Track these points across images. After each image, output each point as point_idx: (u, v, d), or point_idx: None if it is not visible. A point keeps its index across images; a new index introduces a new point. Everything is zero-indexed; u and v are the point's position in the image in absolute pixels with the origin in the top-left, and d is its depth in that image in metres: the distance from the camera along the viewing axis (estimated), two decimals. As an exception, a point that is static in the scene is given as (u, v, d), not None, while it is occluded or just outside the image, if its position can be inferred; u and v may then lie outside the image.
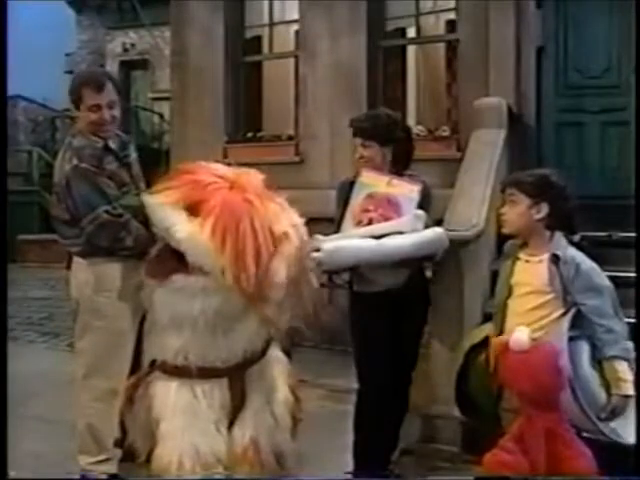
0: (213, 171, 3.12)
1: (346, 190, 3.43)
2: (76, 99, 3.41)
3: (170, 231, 2.92)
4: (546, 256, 2.93)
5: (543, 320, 2.88)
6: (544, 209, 2.93)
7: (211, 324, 2.95)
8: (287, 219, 3.02)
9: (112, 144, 3.49)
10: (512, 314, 2.99)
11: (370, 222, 3.30)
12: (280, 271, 2.86)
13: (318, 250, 3.17)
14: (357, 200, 3.35)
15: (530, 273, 2.98)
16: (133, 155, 3.62)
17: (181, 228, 2.89)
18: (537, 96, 6.00)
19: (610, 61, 5.80)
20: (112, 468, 3.43)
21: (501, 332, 2.99)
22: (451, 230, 3.87)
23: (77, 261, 3.44)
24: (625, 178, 5.32)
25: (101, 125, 3.41)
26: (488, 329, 3.13)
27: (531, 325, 2.87)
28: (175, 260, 2.92)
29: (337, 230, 3.40)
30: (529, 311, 2.93)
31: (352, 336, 3.58)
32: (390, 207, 3.30)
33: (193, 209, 2.93)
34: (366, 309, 3.50)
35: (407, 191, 3.32)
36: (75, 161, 3.31)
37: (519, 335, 2.74)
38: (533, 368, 2.68)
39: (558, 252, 2.90)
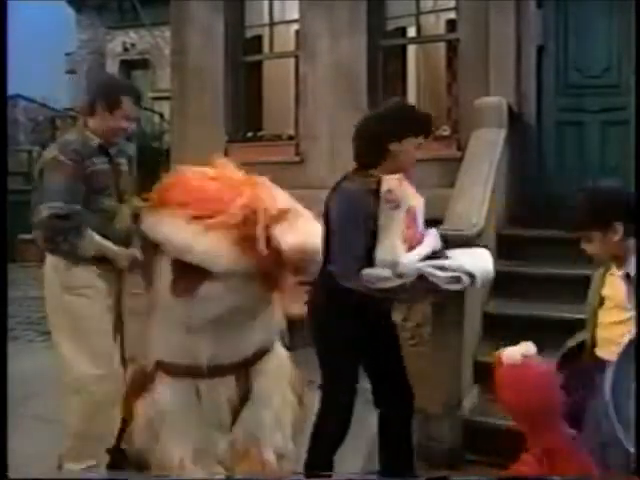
0: (201, 178, 3.05)
1: (369, 202, 2.97)
2: (111, 103, 3.34)
3: (193, 248, 2.84)
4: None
5: (623, 338, 2.61)
6: (619, 228, 2.75)
7: (227, 323, 2.94)
8: (274, 194, 3.00)
9: (110, 148, 3.45)
10: (600, 325, 2.87)
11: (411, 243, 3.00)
12: (286, 238, 2.79)
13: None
14: (402, 216, 2.97)
15: (614, 287, 2.84)
16: (125, 167, 3.56)
17: (202, 243, 2.83)
18: (537, 95, 6.00)
19: (610, 60, 5.79)
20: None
21: (593, 340, 2.88)
22: (451, 230, 3.87)
23: (47, 257, 3.39)
24: (625, 177, 5.32)
25: (121, 134, 3.44)
26: (583, 335, 2.98)
27: (613, 340, 2.71)
28: (196, 272, 2.84)
29: (371, 250, 2.96)
30: (611, 325, 2.81)
31: (323, 339, 3.19)
32: (414, 222, 3.03)
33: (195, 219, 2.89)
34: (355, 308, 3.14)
35: (421, 202, 3.13)
36: (55, 152, 3.28)
37: (512, 350, 2.63)
38: (521, 385, 2.57)
39: (629, 270, 2.73)
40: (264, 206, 2.84)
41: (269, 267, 2.84)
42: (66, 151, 3.27)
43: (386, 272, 2.89)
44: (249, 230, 2.79)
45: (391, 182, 2.96)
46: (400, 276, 2.89)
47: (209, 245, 2.81)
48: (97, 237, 3.28)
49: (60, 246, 3.24)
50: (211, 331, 2.95)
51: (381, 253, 2.93)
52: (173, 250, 2.89)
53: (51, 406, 4.31)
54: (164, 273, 2.97)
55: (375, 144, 3.07)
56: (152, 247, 3.07)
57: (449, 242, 3.41)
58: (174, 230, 2.88)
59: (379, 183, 2.96)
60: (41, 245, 3.28)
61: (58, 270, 3.34)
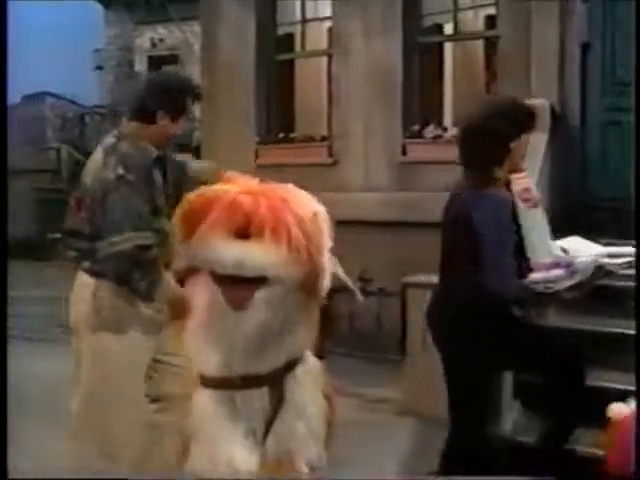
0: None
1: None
2: (177, 112, 3.05)
3: (245, 262, 2.66)
4: None
5: None
6: None
7: (266, 334, 2.80)
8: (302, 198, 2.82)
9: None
10: None
11: None
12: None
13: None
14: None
15: None
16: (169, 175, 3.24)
17: (253, 255, 2.65)
18: (582, 94, 5.81)
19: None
20: None
21: None
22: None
23: (83, 282, 3.03)
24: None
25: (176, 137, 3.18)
26: None
27: None
28: (249, 282, 2.70)
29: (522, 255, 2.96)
30: None
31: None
32: None
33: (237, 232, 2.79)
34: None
35: None
36: (120, 170, 2.87)
37: (618, 406, 2.53)
38: (621, 439, 2.46)
39: None
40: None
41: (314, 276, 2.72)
42: (130, 167, 2.90)
43: (558, 272, 2.88)
44: (300, 239, 2.66)
45: (526, 180, 2.96)
46: (573, 273, 2.89)
47: (263, 255, 2.65)
48: (172, 282, 2.81)
49: (134, 283, 2.92)
50: (246, 343, 2.81)
51: (540, 254, 2.91)
52: (224, 268, 2.70)
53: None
54: (206, 290, 2.88)
55: (496, 143, 2.99)
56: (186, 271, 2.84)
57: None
58: (221, 248, 2.68)
59: (507, 183, 2.94)
60: (111, 279, 2.92)
61: (99, 300, 2.97)
